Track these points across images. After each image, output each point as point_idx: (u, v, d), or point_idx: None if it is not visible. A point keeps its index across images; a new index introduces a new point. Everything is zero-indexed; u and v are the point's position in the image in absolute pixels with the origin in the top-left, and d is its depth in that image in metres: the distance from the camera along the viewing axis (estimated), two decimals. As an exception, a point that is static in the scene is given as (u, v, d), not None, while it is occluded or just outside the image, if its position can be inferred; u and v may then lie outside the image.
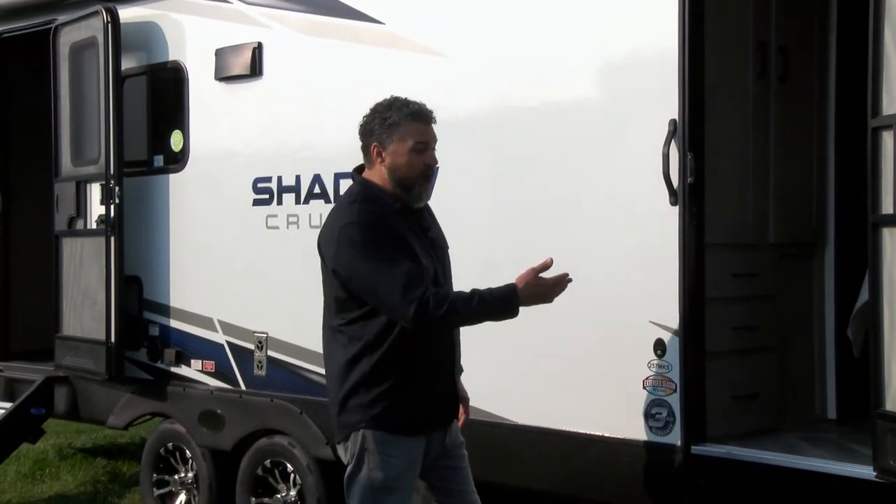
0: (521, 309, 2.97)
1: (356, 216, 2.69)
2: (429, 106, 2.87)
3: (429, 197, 2.82)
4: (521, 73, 3.58)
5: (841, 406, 3.79)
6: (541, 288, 2.69)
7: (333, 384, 2.80)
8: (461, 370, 3.00)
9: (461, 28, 3.76)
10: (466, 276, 2.97)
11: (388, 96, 2.83)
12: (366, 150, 2.81)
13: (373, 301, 2.69)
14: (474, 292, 2.67)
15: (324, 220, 2.85)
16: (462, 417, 2.95)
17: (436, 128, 2.83)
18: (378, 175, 2.79)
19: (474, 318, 2.71)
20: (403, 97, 2.81)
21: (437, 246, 2.85)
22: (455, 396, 2.90)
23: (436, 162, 2.79)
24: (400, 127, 2.74)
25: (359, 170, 2.87)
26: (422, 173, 2.76)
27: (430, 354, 2.78)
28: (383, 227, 2.69)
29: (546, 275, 2.71)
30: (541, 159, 3.53)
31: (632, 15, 3.34)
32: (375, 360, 2.71)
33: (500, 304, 2.67)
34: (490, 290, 2.67)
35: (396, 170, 2.75)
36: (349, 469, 2.78)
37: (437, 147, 2.80)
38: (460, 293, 2.68)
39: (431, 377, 2.79)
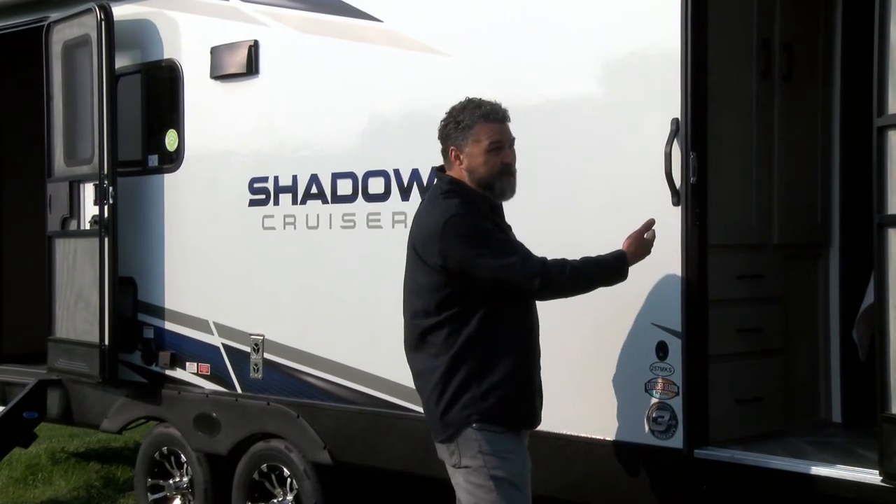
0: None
1: (458, 208, 2.77)
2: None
3: (513, 193, 2.91)
4: (522, 72, 3.55)
5: (846, 409, 3.76)
6: (645, 248, 2.97)
7: (435, 387, 2.80)
8: None
9: (461, 26, 3.72)
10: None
11: (462, 98, 2.90)
12: (445, 153, 2.90)
13: (495, 282, 2.76)
14: (587, 259, 2.87)
15: (416, 220, 2.90)
16: None
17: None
18: (458, 177, 2.87)
19: (592, 283, 2.90)
20: (478, 98, 2.88)
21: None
22: (542, 396, 2.97)
23: (513, 160, 2.87)
24: (473, 129, 2.82)
25: (440, 170, 2.94)
26: (500, 171, 2.84)
27: (530, 347, 2.87)
28: (484, 216, 2.80)
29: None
30: (541, 159, 3.50)
31: (634, 13, 3.31)
32: (482, 354, 2.76)
33: (613, 269, 2.91)
34: (601, 257, 2.91)
35: (474, 171, 2.83)
36: (464, 473, 2.78)
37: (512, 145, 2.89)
38: (574, 260, 2.84)
39: (533, 370, 2.88)
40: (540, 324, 2.99)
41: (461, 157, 2.83)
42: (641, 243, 2.96)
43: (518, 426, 2.83)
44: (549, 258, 2.85)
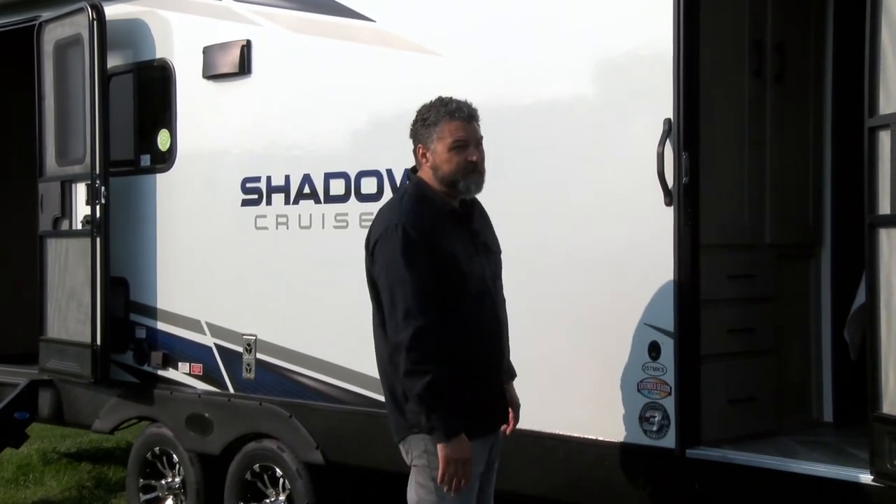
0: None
1: (403, 217, 2.72)
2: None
3: (479, 188, 2.84)
4: (515, 71, 3.55)
5: (838, 409, 3.77)
6: (459, 474, 2.66)
7: (387, 388, 2.79)
8: (514, 375, 3.02)
9: (454, 26, 3.73)
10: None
11: (433, 98, 2.86)
12: (414, 152, 2.87)
13: (383, 306, 2.73)
14: (440, 393, 2.63)
15: (376, 216, 2.88)
16: (511, 424, 2.98)
17: None
18: (427, 176, 2.83)
19: (416, 396, 2.65)
20: (447, 97, 2.84)
21: (489, 250, 2.89)
22: (504, 401, 2.91)
23: (477, 157, 2.80)
24: (438, 126, 2.78)
25: (412, 171, 2.91)
26: (464, 169, 2.78)
27: (483, 351, 2.79)
28: (426, 232, 2.71)
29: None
30: (534, 159, 3.50)
31: (627, 13, 3.32)
32: None
33: (430, 421, 2.64)
34: (444, 410, 2.63)
35: (438, 168, 2.79)
36: (414, 471, 2.77)
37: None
38: (441, 371, 2.63)
39: (486, 376, 2.81)
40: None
41: (427, 154, 2.81)
42: (458, 468, 2.66)
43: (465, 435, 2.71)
44: (436, 350, 2.64)
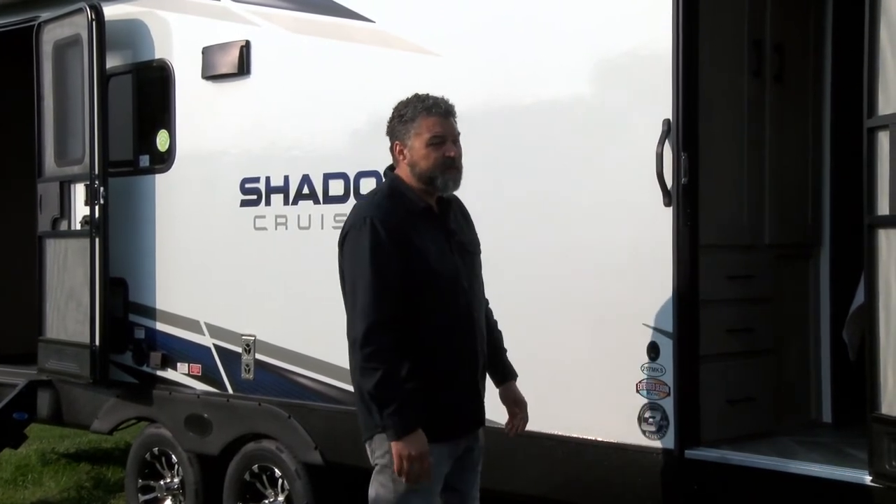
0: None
1: (373, 211, 2.70)
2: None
3: (457, 185, 2.79)
4: (514, 72, 3.55)
5: (836, 409, 3.77)
6: (415, 470, 2.61)
7: (354, 386, 2.76)
8: (514, 375, 2.98)
9: (453, 27, 3.73)
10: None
11: (409, 95, 2.84)
12: (391, 149, 2.84)
13: (346, 301, 2.72)
14: (390, 390, 2.60)
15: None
16: (521, 423, 2.94)
17: None
18: (404, 173, 2.80)
19: (367, 393, 2.63)
20: (424, 93, 2.81)
21: (465, 250, 2.84)
22: (479, 405, 2.85)
23: (454, 153, 2.76)
24: (415, 122, 2.75)
25: (390, 168, 2.89)
26: (441, 165, 2.74)
27: (449, 357, 2.74)
28: (396, 228, 2.68)
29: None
30: (533, 159, 3.50)
31: (626, 13, 3.32)
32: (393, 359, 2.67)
33: (382, 419, 2.61)
34: (395, 407, 2.59)
35: (415, 165, 2.76)
36: (375, 471, 2.75)
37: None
38: (392, 368, 2.60)
39: (454, 378, 2.76)
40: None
41: (405, 151, 2.77)
42: (415, 468, 2.61)
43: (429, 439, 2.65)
44: (390, 347, 2.61)
